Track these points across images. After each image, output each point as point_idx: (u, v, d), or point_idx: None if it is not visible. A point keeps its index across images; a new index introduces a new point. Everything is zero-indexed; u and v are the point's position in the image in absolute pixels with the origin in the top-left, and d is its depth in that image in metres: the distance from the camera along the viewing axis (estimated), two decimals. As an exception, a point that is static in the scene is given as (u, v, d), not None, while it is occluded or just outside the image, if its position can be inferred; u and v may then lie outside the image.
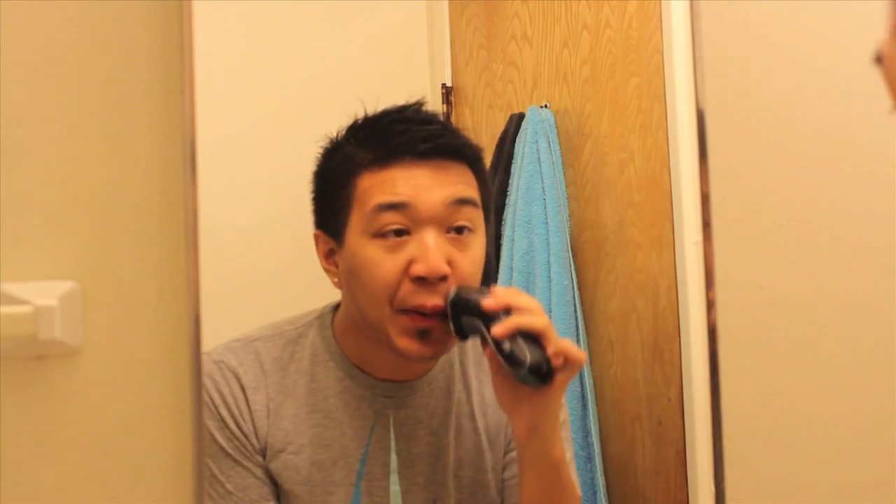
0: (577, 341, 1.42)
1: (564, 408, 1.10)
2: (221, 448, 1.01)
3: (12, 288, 0.81)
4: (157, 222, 0.85)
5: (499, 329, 0.91)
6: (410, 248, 0.96)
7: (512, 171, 1.51)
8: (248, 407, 1.02)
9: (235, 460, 1.01)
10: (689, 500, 1.28)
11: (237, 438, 1.01)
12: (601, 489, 1.38)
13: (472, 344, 1.08)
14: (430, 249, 0.95)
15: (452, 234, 0.98)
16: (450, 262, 0.96)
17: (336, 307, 1.08)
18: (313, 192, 1.05)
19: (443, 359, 1.08)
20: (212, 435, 1.01)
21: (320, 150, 1.05)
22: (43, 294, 0.81)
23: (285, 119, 1.37)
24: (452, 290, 0.96)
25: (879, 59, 0.65)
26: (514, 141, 1.52)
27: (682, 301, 1.29)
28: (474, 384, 1.10)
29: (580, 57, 1.48)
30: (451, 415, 1.07)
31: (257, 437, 1.02)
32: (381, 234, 0.96)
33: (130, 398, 0.85)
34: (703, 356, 1.11)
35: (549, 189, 1.46)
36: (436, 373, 1.08)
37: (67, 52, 0.84)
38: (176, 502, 0.85)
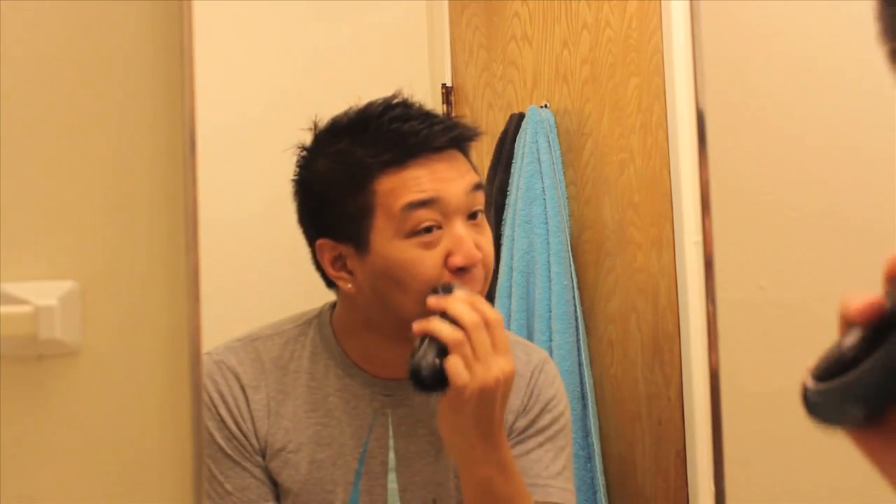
0: (577, 341, 1.42)
1: (565, 411, 1.10)
2: (220, 448, 1.01)
3: (12, 288, 0.81)
4: (157, 222, 0.85)
5: (414, 325, 0.93)
6: (445, 241, 0.97)
7: (512, 171, 1.51)
8: (248, 407, 1.02)
9: (234, 460, 1.01)
10: (689, 499, 1.28)
11: (236, 438, 1.01)
12: (601, 489, 1.38)
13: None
14: (464, 239, 0.97)
15: (471, 221, 1.00)
16: (476, 247, 0.99)
17: (333, 305, 1.08)
18: (307, 202, 1.03)
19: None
20: (211, 435, 1.01)
21: (298, 160, 1.04)
22: (43, 294, 0.81)
23: (285, 119, 1.36)
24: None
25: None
26: (514, 141, 1.52)
27: (682, 301, 1.29)
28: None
29: (580, 57, 1.48)
30: (450, 414, 1.07)
31: (257, 437, 1.02)
32: (414, 233, 0.97)
33: (130, 398, 0.85)
34: (703, 356, 1.11)
35: (549, 189, 1.46)
36: (435, 372, 1.08)
37: (67, 52, 0.84)
38: (176, 502, 0.85)
